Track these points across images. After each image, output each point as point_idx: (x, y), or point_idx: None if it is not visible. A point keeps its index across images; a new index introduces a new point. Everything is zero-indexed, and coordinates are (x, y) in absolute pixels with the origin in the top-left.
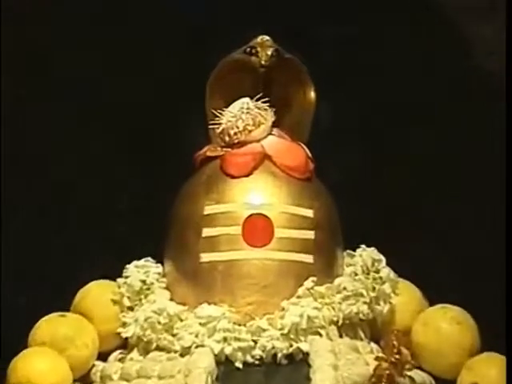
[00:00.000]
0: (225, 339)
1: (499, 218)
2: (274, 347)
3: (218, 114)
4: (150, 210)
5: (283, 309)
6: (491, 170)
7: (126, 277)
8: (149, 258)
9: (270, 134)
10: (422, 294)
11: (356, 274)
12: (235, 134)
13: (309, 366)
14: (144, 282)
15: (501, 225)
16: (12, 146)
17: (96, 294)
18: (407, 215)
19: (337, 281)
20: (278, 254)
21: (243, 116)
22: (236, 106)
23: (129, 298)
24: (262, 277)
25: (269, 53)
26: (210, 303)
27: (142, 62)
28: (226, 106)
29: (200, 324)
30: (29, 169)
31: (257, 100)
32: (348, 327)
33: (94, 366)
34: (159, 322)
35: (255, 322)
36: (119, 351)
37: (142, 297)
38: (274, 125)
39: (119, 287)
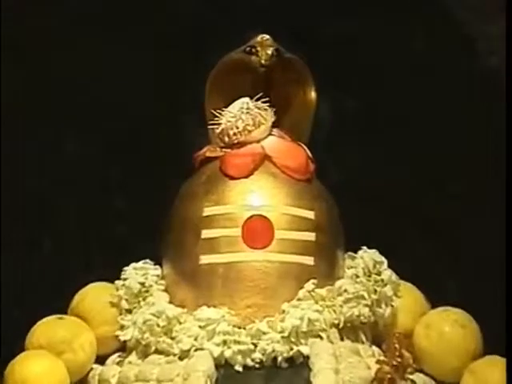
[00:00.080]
0: (224, 342)
1: (499, 218)
2: (274, 350)
3: (217, 114)
4: (149, 211)
5: (283, 311)
6: (491, 169)
7: (125, 279)
8: (147, 260)
9: (270, 134)
10: (424, 296)
11: (357, 277)
12: (235, 134)
13: (309, 369)
14: (142, 284)
15: (501, 225)
16: (12, 146)
17: (94, 296)
18: (407, 215)
19: (338, 283)
20: (279, 256)
21: (243, 116)
22: (236, 106)
23: (127, 300)
24: (262, 279)
25: (269, 52)
26: (209, 306)
27: (141, 62)
28: (226, 106)
29: (199, 327)
30: (26, 168)
31: (257, 100)
32: (349, 330)
33: (91, 369)
34: (158, 325)
35: (255, 324)
36: (117, 354)
37: (141, 299)
38: (274, 125)
39: (117, 289)
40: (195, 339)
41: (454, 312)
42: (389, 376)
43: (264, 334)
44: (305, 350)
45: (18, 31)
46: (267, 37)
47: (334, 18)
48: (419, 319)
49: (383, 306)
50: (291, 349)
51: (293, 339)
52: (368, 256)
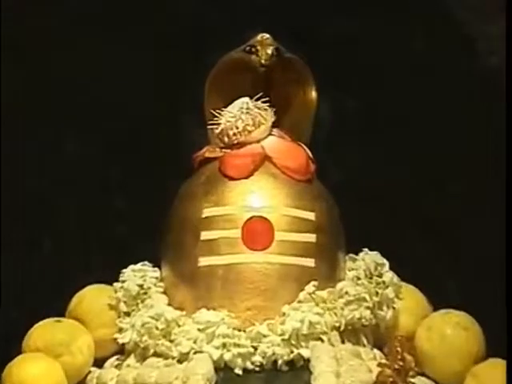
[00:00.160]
0: (224, 345)
1: (499, 218)
2: (274, 353)
3: (216, 115)
4: (149, 211)
5: (284, 314)
6: (491, 169)
7: (123, 281)
8: (146, 262)
9: (271, 134)
10: (425, 298)
11: (358, 279)
12: (234, 134)
13: (310, 372)
14: (141, 286)
15: (501, 225)
16: (12, 146)
17: (92, 298)
18: (407, 215)
19: (339, 285)
20: (279, 257)
21: (243, 116)
22: (235, 106)
23: (125, 302)
24: (262, 281)
25: (269, 51)
26: (208, 308)
27: (141, 62)
28: (225, 106)
29: (198, 329)
30: (26, 168)
31: (257, 100)
32: (350, 333)
33: (89, 372)
34: (157, 328)
35: (255, 327)
36: (115, 357)
37: (139, 302)
38: (275, 125)
39: (115, 292)
40: (194, 342)
41: (456, 314)
42: (390, 379)
43: (264, 336)
44: (305, 353)
45: (18, 31)
46: (267, 36)
47: (334, 18)
48: (421, 322)
49: (385, 308)
50: (292, 352)
51: (293, 342)
52: (369, 258)
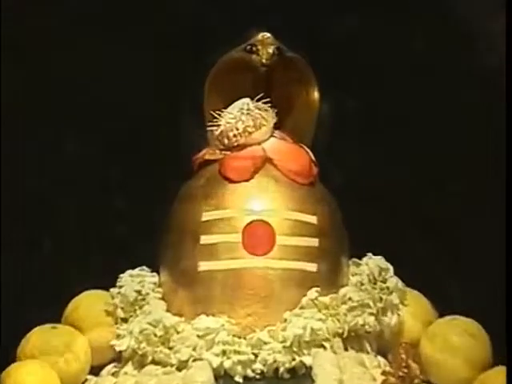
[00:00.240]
0: (224, 352)
1: (499, 218)
2: (275, 361)
3: (216, 116)
4: (149, 211)
5: (285, 320)
6: (491, 169)
7: (120, 286)
8: (144, 267)
9: (272, 136)
10: (430, 303)
11: (362, 284)
12: (235, 136)
13: (312, 380)
14: (139, 292)
15: (501, 225)
16: (12, 146)
17: (88, 304)
18: (407, 215)
19: (342, 291)
20: (280, 262)
21: (243, 117)
22: (236, 107)
23: (123, 308)
24: (263, 287)
25: (270, 51)
26: (208, 314)
27: (141, 62)
28: (225, 107)
29: (198, 336)
30: (26, 168)
31: (257, 100)
32: (353, 340)
33: (86, 380)
34: (155, 335)
35: (256, 334)
36: (113, 365)
37: (137, 308)
38: (276, 126)
39: (113, 298)
40: (193, 349)
41: (463, 321)
42: None
43: (265, 343)
44: (307, 360)
45: (18, 31)
46: (268, 35)
47: (334, 18)
48: (426, 328)
49: (389, 314)
50: (293, 359)
51: (295, 349)
52: (373, 263)
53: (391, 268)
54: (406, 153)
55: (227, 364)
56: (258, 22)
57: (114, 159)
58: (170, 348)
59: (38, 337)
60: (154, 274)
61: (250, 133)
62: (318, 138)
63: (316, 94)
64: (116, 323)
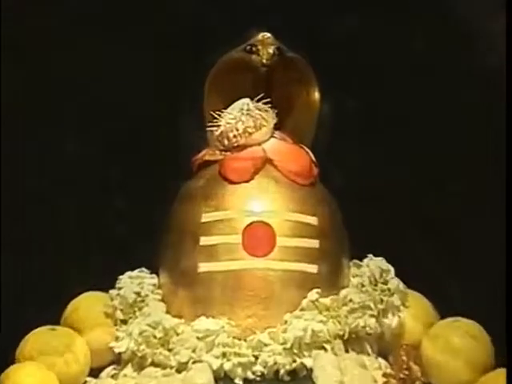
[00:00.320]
0: (224, 354)
1: (499, 218)
2: (275, 363)
3: (216, 116)
4: (149, 211)
5: (286, 322)
6: (491, 169)
7: (119, 288)
8: (143, 269)
9: (272, 136)
10: (431, 305)
11: (363, 286)
12: (235, 136)
13: (313, 382)
14: (138, 293)
15: (501, 225)
16: (12, 146)
17: (87, 306)
18: (407, 215)
19: (343, 292)
20: (281, 263)
21: (243, 118)
22: (236, 108)
23: (122, 310)
24: (264, 288)
25: (270, 51)
26: (207, 316)
27: (141, 62)
28: (225, 107)
29: (197, 338)
30: (26, 168)
31: (257, 101)
32: (354, 341)
33: (85, 382)
34: (154, 336)
35: (256, 336)
36: (112, 367)
37: (136, 309)
38: (276, 127)
39: (112, 299)
40: (193, 351)
41: (464, 323)
42: None
43: (265, 345)
44: (308, 362)
45: (18, 31)
46: (268, 35)
47: (334, 18)
48: (427, 330)
49: (390, 316)
50: (294, 361)
51: (295, 351)
52: (374, 264)
53: (392, 269)
54: (406, 153)
55: (227, 366)
56: (258, 22)
57: (114, 159)
58: (170, 350)
59: (37, 338)
60: (154, 275)
61: (250, 133)
62: (318, 138)
63: (316, 95)
64: (115, 325)
